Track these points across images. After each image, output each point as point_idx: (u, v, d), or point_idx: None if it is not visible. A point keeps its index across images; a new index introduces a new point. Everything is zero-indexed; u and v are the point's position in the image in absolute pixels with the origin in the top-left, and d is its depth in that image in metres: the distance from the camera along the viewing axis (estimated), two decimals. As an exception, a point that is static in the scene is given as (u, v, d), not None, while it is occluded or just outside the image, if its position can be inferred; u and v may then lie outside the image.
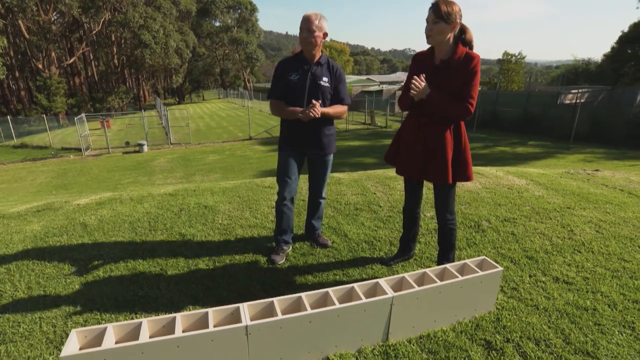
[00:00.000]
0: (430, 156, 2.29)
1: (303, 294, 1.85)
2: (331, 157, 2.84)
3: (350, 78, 51.01)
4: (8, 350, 1.90)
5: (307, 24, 2.47)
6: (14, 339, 1.98)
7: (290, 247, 2.89)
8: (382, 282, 1.96)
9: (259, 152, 17.12)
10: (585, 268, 2.69)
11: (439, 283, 1.97)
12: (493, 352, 1.89)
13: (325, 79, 2.62)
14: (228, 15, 55.40)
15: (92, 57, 44.51)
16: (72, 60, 39.60)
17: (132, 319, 2.08)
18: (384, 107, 26.58)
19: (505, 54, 37.31)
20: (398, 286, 2.00)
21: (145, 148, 18.31)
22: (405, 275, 2.03)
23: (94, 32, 39.18)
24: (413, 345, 1.92)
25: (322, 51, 2.67)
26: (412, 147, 2.35)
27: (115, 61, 44.27)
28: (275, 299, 1.80)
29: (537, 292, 2.39)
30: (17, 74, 39.74)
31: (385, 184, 4.55)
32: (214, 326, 1.63)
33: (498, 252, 2.92)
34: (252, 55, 54.71)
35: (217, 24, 55.82)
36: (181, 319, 1.65)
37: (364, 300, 1.82)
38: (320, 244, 2.97)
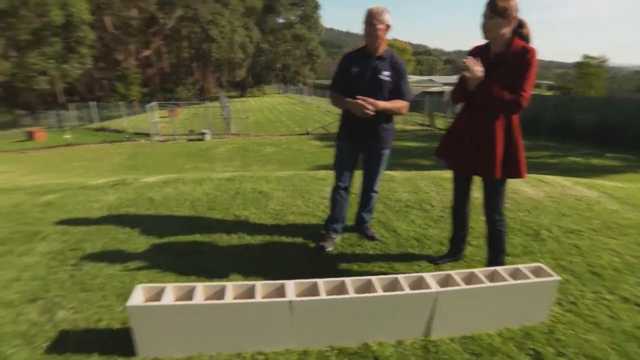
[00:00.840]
0: (480, 149, 2.24)
1: (347, 279, 1.89)
2: (387, 152, 2.84)
3: (411, 78, 49.69)
4: (87, 297, 2.17)
5: (369, 17, 2.49)
6: (92, 289, 2.24)
7: (340, 237, 2.94)
8: (428, 276, 1.94)
9: (314, 147, 17.36)
10: (663, 291, 2.45)
11: (487, 284, 1.91)
12: (542, 362, 1.80)
13: (386, 73, 2.61)
14: (292, 12, 56.51)
15: (165, 51, 47.65)
16: (147, 53, 42.72)
17: (188, 287, 2.26)
18: (444, 109, 25.70)
19: (585, 57, 34.28)
20: (444, 283, 1.97)
21: (208, 137, 19.32)
22: (452, 272, 1.99)
23: (168, 27, 41.93)
24: (455, 344, 1.89)
25: (387, 46, 2.68)
26: (462, 140, 2.33)
27: (185, 55, 47.07)
28: (319, 280, 1.86)
29: (600, 310, 2.22)
30: (101, 64, 43.65)
31: (439, 185, 4.44)
32: (261, 298, 1.72)
33: (557, 263, 2.75)
34: (313, 52, 55.44)
35: (281, 20, 57.16)
36: (232, 287, 1.77)
37: (407, 291, 1.82)
38: (368, 236, 2.99)
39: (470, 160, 2.30)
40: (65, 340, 1.86)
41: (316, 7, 56.96)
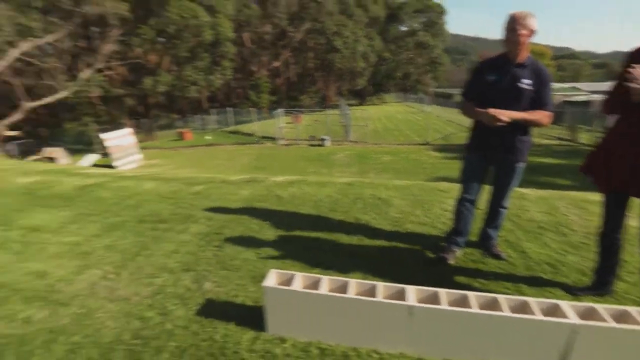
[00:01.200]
0: (637, 166, 1.97)
1: (470, 293, 1.82)
2: (522, 165, 2.63)
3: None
4: (227, 275, 2.54)
5: (511, 23, 2.34)
6: (230, 269, 2.61)
7: (462, 251, 2.83)
8: (565, 305, 1.75)
9: (434, 157, 16.77)
10: None
11: (646, 324, 1.63)
12: None
13: (526, 81, 2.42)
14: (415, 20, 55.55)
15: (292, 62, 51.50)
16: (277, 64, 46.74)
17: (310, 279, 2.45)
18: (590, 122, 22.17)
19: None
20: (586, 316, 1.74)
21: (328, 143, 20.24)
22: (597, 306, 1.76)
23: (296, 39, 45.20)
24: (597, 386, 1.66)
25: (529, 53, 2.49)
26: (616, 156, 2.06)
27: (310, 65, 50.10)
28: (440, 290, 1.84)
29: None
30: (237, 75, 49.37)
31: (582, 207, 3.89)
32: (382, 298, 1.78)
33: None
34: (436, 60, 53.57)
35: (404, 28, 56.62)
36: (354, 284, 1.87)
37: (541, 317, 1.67)
38: (493, 255, 2.80)
39: (625, 180, 2.03)
40: (210, 307, 2.20)
41: (442, 13, 54.94)
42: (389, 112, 42.46)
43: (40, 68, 22.32)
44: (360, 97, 57.77)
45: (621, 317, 1.74)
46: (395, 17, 54.79)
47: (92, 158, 19.47)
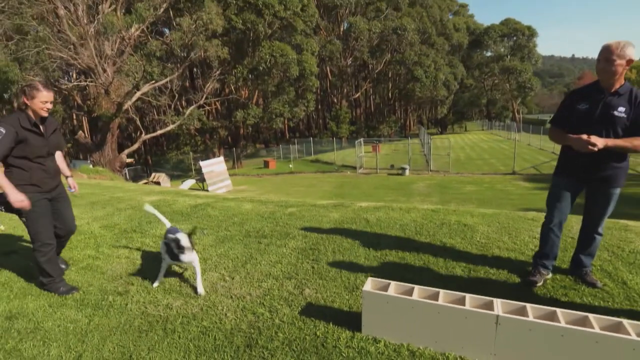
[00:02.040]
0: None
1: (559, 310, 1.91)
2: (617, 190, 2.61)
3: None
4: (324, 284, 2.88)
5: (605, 53, 2.41)
6: (327, 279, 2.95)
7: (550, 275, 2.83)
8: (630, 324, 1.75)
9: (522, 188, 15.77)
10: None
11: None
12: None
13: (621, 109, 2.45)
14: (501, 44, 53.53)
15: (372, 92, 52.58)
16: (357, 95, 48.10)
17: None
18: None
19: None
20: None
21: (407, 172, 20.19)
22: (703, 331, 1.72)
23: (376, 71, 46.25)
24: None
25: (625, 80, 2.51)
26: None
27: (389, 94, 50.65)
28: (527, 305, 1.95)
29: None
30: (319, 106, 51.74)
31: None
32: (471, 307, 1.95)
33: None
34: (525, 84, 50.65)
35: (489, 54, 54.77)
36: (444, 294, 2.07)
37: (635, 337, 1.70)
38: (587, 282, 2.74)
39: None
40: (310, 309, 2.54)
41: (532, 35, 52.25)
42: (472, 140, 40.82)
43: (154, 105, 26.00)
44: (442, 125, 56.50)
45: None
46: (479, 43, 53.44)
47: (189, 182, 21.81)
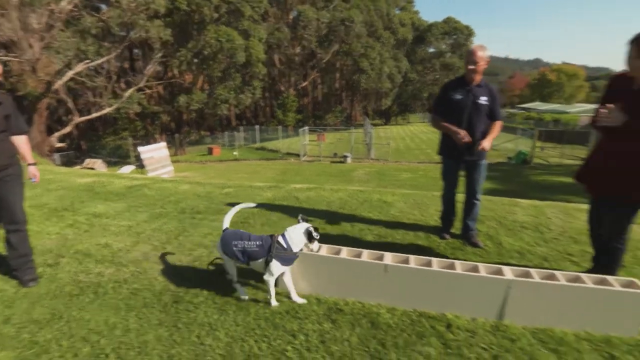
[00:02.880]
0: (621, 174, 2.29)
1: (434, 258, 2.38)
2: (484, 162, 3.30)
3: (577, 107, 43.80)
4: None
5: (471, 56, 3.07)
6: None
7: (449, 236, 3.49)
8: (506, 268, 2.27)
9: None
10: None
11: (562, 282, 2.14)
12: (615, 363, 1.94)
13: (484, 98, 3.13)
14: (443, 42, 56.16)
15: (319, 82, 52.98)
16: (305, 84, 48.26)
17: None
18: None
19: None
20: (521, 275, 2.25)
21: (349, 160, 20.89)
22: (531, 270, 2.27)
23: (324, 60, 46.66)
24: (525, 330, 2.16)
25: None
26: (604, 165, 2.40)
27: (337, 85, 51.41)
28: (412, 256, 2.40)
29: None
30: (266, 94, 51.22)
31: (569, 214, 4.31)
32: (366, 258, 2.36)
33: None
34: (462, 81, 53.70)
35: (431, 50, 57.31)
36: (345, 250, 2.47)
37: (482, 274, 2.21)
38: (471, 243, 3.35)
39: (610, 185, 2.37)
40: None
41: (470, 34, 55.40)
42: (413, 131, 42.76)
43: (88, 87, 24.31)
44: (386, 116, 58.38)
45: (549, 278, 2.24)
46: (422, 39, 55.55)
47: (128, 168, 20.88)
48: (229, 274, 2.55)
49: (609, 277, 2.20)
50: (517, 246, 3.30)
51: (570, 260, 3.08)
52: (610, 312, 2.11)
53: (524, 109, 50.72)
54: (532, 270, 2.27)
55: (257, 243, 2.40)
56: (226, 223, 2.66)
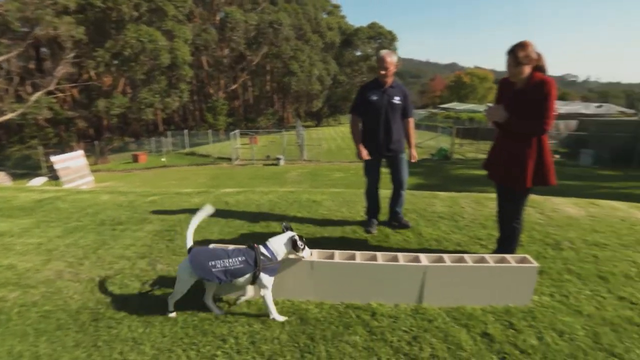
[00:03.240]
0: (511, 164, 2.64)
1: (357, 252, 2.51)
2: (403, 155, 3.62)
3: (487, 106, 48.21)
4: (177, 259, 3.07)
5: (382, 62, 3.35)
6: (180, 254, 3.15)
7: (376, 222, 3.72)
8: (422, 256, 2.47)
9: (383, 173, 17.88)
10: (668, 297, 2.62)
11: (469, 264, 2.38)
12: (511, 329, 2.20)
13: (397, 98, 3.43)
14: (368, 45, 58.49)
15: (250, 84, 52.31)
16: (234, 87, 47.34)
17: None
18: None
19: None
20: (435, 261, 2.46)
21: (282, 162, 20.91)
22: (444, 255, 2.49)
23: (254, 63, 46.18)
24: (441, 311, 2.37)
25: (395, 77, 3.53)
26: (497, 156, 2.81)
27: (268, 87, 51.17)
28: (336, 251, 2.50)
29: (589, 303, 2.50)
30: (194, 97, 49.35)
31: (480, 202, 4.76)
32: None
33: (567, 267, 3.00)
34: (388, 83, 56.41)
35: (358, 53, 59.40)
36: (317, 253, 2.49)
37: (401, 262, 2.38)
38: (402, 225, 3.70)
39: (504, 174, 2.73)
40: (161, 281, 2.74)
41: (393, 39, 58.39)
42: (344, 132, 43.88)
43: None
44: (317, 118, 59.28)
45: (458, 260, 2.48)
46: (349, 43, 57.33)
47: (39, 181, 18.86)
48: (176, 293, 2.34)
49: (507, 256, 2.49)
50: (435, 235, 3.58)
51: (479, 244, 3.42)
52: (509, 285, 2.40)
53: (443, 108, 54.57)
54: (444, 255, 2.49)
55: (240, 259, 2.24)
56: (190, 240, 2.35)
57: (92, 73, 28.85)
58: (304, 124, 43.49)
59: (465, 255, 2.49)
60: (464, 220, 4.03)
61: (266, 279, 2.27)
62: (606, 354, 2.03)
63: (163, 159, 25.80)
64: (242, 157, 23.16)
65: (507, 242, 2.89)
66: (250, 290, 2.44)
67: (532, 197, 4.92)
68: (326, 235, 3.58)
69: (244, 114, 48.23)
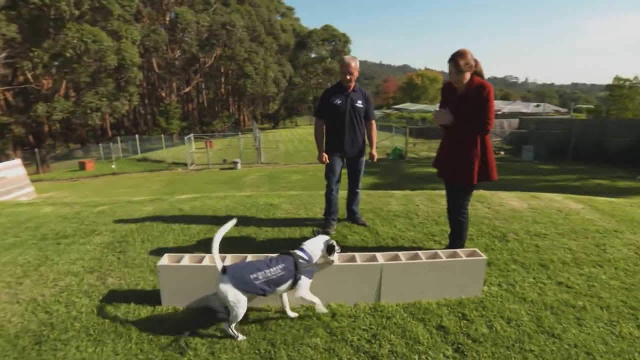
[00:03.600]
0: (456, 162, 2.86)
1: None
2: (363, 158, 3.75)
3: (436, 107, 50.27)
4: (129, 271, 2.95)
5: (346, 67, 3.45)
6: (132, 266, 3.02)
7: (335, 224, 3.80)
8: (379, 254, 2.54)
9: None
10: (598, 279, 2.87)
11: (424, 260, 2.48)
12: (464, 320, 2.32)
13: (359, 102, 3.54)
14: (323, 47, 59.02)
15: (204, 87, 51.02)
16: (188, 89, 45.97)
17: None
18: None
19: (617, 78, 33.51)
20: (391, 259, 2.54)
21: (239, 166, 20.58)
22: (399, 253, 2.57)
23: (207, 65, 45.11)
24: (399, 307, 2.44)
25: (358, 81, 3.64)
26: (445, 155, 2.99)
27: (222, 90, 50.16)
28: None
29: (533, 289, 2.69)
30: (146, 101, 47.35)
31: (433, 200, 4.96)
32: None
33: (512, 258, 3.20)
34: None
35: (313, 55, 59.77)
36: (230, 258, 2.45)
37: (359, 262, 2.43)
38: (359, 224, 3.83)
39: (451, 171, 2.94)
40: (112, 296, 2.60)
41: (346, 42, 59.30)
42: (301, 134, 44.05)
43: None
44: (274, 120, 58.99)
45: (414, 257, 2.57)
46: (304, 45, 57.55)
47: (-30, 195, 17.24)
48: (220, 312, 2.24)
49: (458, 250, 2.62)
50: (391, 233, 3.69)
51: (433, 240, 3.57)
52: (461, 278, 2.52)
53: (397, 109, 56.24)
54: (400, 253, 2.57)
55: (281, 267, 2.21)
56: (219, 261, 2.17)
57: (29, 75, 26.76)
58: (260, 126, 43.11)
59: (420, 252, 2.59)
60: (418, 217, 4.18)
61: (306, 281, 2.28)
62: (547, 336, 2.19)
63: (113, 166, 24.50)
64: (197, 161, 22.54)
65: (456, 237, 3.06)
66: (286, 298, 2.37)
67: (481, 193, 5.21)
68: (285, 238, 3.57)
69: (199, 118, 46.94)
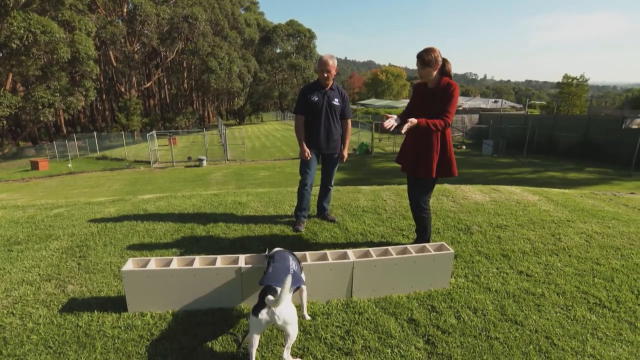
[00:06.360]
0: (419, 157, 3.00)
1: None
2: (337, 155, 3.81)
3: (403, 103, 51.38)
4: (91, 277, 2.79)
5: (324, 65, 3.48)
6: (95, 272, 2.87)
7: (306, 221, 3.80)
8: (350, 251, 2.56)
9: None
10: (554, 267, 3.05)
11: (394, 256, 2.52)
12: (434, 312, 2.39)
13: (337, 100, 3.61)
14: (288, 43, 58.63)
15: (165, 82, 49.34)
16: (149, 85, 44.28)
17: (171, 269, 2.87)
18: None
19: (566, 77, 35.71)
20: (362, 256, 2.57)
21: (205, 163, 20.11)
22: (370, 249, 2.60)
23: (169, 59, 43.63)
24: (370, 302, 2.48)
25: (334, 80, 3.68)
26: (408, 151, 3.12)
27: (185, 85, 48.72)
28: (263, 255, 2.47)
29: (496, 279, 2.82)
30: (104, 96, 45.20)
31: (400, 194, 5.06)
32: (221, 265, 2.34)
33: (477, 249, 3.34)
34: (308, 80, 57.26)
35: (278, 50, 59.25)
36: (199, 259, 2.39)
37: (330, 261, 2.43)
38: (329, 220, 3.88)
39: (413, 166, 3.06)
40: (73, 304, 2.47)
41: (311, 37, 59.19)
42: (267, 130, 43.64)
43: None
44: (239, 116, 58.07)
45: (384, 253, 2.61)
46: (269, 40, 56.90)
47: None
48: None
49: (427, 245, 2.69)
50: (361, 229, 3.73)
51: (402, 234, 3.64)
52: (430, 272, 2.59)
53: (363, 105, 56.91)
54: (370, 249, 2.60)
55: (294, 259, 2.29)
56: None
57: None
58: (225, 122, 42.27)
59: (390, 248, 2.63)
60: (386, 212, 4.26)
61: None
62: (511, 323, 2.30)
63: (69, 165, 23.25)
64: (161, 159, 21.80)
65: (423, 231, 3.17)
66: (305, 296, 2.32)
67: (446, 187, 5.37)
68: (254, 236, 3.53)
69: (161, 114, 45.37)
